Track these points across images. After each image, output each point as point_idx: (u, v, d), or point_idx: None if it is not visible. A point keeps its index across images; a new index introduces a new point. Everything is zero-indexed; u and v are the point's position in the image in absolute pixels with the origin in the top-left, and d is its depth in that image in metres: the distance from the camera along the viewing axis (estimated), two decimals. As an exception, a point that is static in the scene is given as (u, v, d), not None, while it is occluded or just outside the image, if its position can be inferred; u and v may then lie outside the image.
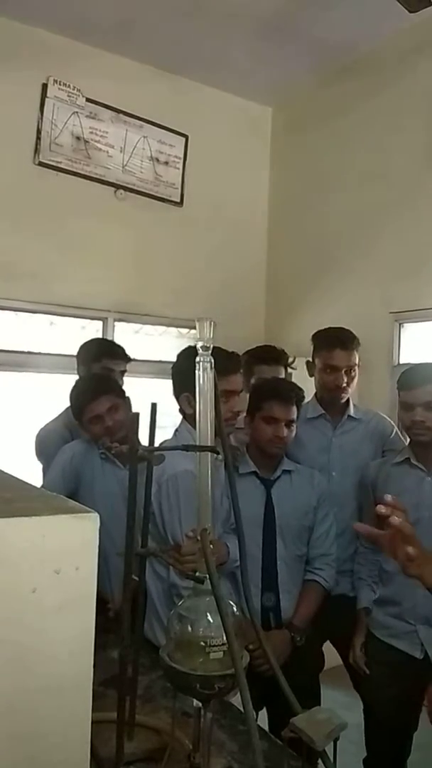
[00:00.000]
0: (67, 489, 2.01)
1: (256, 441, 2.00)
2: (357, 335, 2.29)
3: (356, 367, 2.25)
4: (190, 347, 1.87)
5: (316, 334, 2.33)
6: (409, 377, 1.95)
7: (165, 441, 1.88)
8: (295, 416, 1.97)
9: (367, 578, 2.07)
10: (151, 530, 1.39)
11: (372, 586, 2.05)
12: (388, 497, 1.21)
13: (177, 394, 1.86)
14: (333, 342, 2.23)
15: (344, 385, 2.21)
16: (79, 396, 2.09)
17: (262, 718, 1.92)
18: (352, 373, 2.23)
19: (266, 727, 1.81)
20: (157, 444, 1.23)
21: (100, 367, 2.43)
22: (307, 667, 1.98)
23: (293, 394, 1.99)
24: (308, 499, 2.03)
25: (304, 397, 2.06)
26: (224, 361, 1.66)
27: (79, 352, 2.56)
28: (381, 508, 1.18)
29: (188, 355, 1.79)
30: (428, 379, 1.90)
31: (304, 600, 1.98)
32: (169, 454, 1.28)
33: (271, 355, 2.55)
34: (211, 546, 0.96)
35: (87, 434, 2.11)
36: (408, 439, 2.07)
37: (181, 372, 1.80)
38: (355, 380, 2.27)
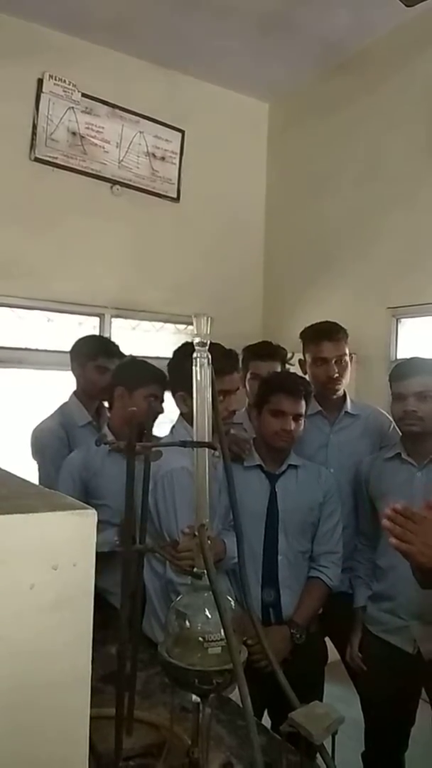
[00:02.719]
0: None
1: (263, 434, 1.98)
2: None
3: (346, 357, 2.25)
4: (185, 344, 1.85)
5: (303, 330, 2.33)
6: (401, 369, 1.96)
7: (163, 438, 1.88)
8: (303, 410, 1.95)
9: (365, 577, 2.07)
10: (148, 527, 1.39)
11: (369, 584, 2.05)
12: (388, 511, 1.26)
13: (173, 391, 1.85)
14: (319, 335, 2.24)
15: (336, 375, 2.21)
16: (148, 372, 2.05)
17: (265, 720, 1.92)
18: (343, 363, 2.24)
19: (268, 723, 1.82)
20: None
21: (95, 366, 2.43)
22: (311, 659, 1.98)
23: (302, 388, 1.97)
24: (314, 494, 2.01)
25: (312, 391, 2.05)
26: (221, 359, 1.65)
27: (73, 350, 2.55)
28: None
29: (184, 352, 1.78)
30: (420, 370, 1.91)
31: (306, 597, 1.96)
32: (165, 451, 1.29)
33: (266, 350, 2.55)
34: (209, 542, 0.96)
35: (120, 406, 2.04)
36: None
37: (177, 369, 1.80)
38: (348, 371, 2.27)
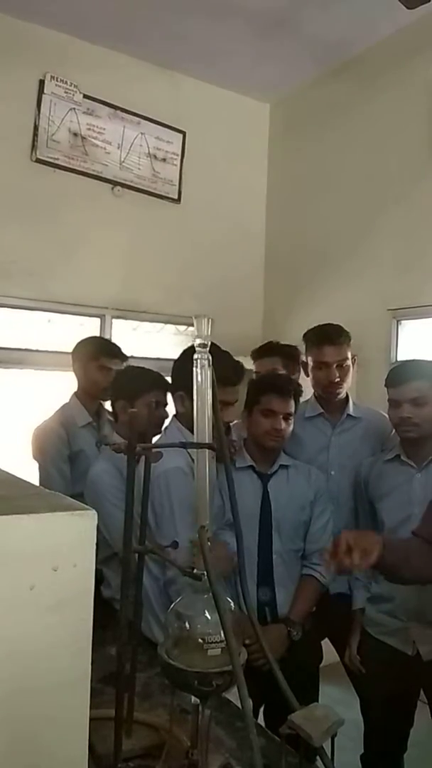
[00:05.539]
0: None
1: (254, 434, 1.99)
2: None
3: (348, 361, 2.24)
4: (194, 345, 1.85)
5: (306, 332, 2.33)
6: (396, 374, 1.95)
7: (159, 439, 1.88)
8: (293, 410, 1.97)
9: (363, 579, 2.07)
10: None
11: (368, 586, 2.05)
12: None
13: (173, 392, 1.85)
14: (321, 338, 2.23)
15: (337, 380, 2.21)
16: (147, 379, 2.06)
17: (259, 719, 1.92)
18: (345, 367, 2.23)
19: (263, 722, 1.82)
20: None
21: (97, 366, 2.44)
22: (305, 661, 1.98)
23: (291, 387, 1.99)
24: (305, 493, 2.03)
25: (302, 391, 2.06)
26: (228, 369, 1.64)
27: (75, 350, 2.55)
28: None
29: (190, 353, 1.78)
30: (414, 376, 1.90)
31: (301, 595, 1.98)
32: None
33: None
34: (209, 543, 0.96)
35: (126, 419, 2.00)
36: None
37: (179, 370, 1.80)
38: (350, 375, 2.27)
